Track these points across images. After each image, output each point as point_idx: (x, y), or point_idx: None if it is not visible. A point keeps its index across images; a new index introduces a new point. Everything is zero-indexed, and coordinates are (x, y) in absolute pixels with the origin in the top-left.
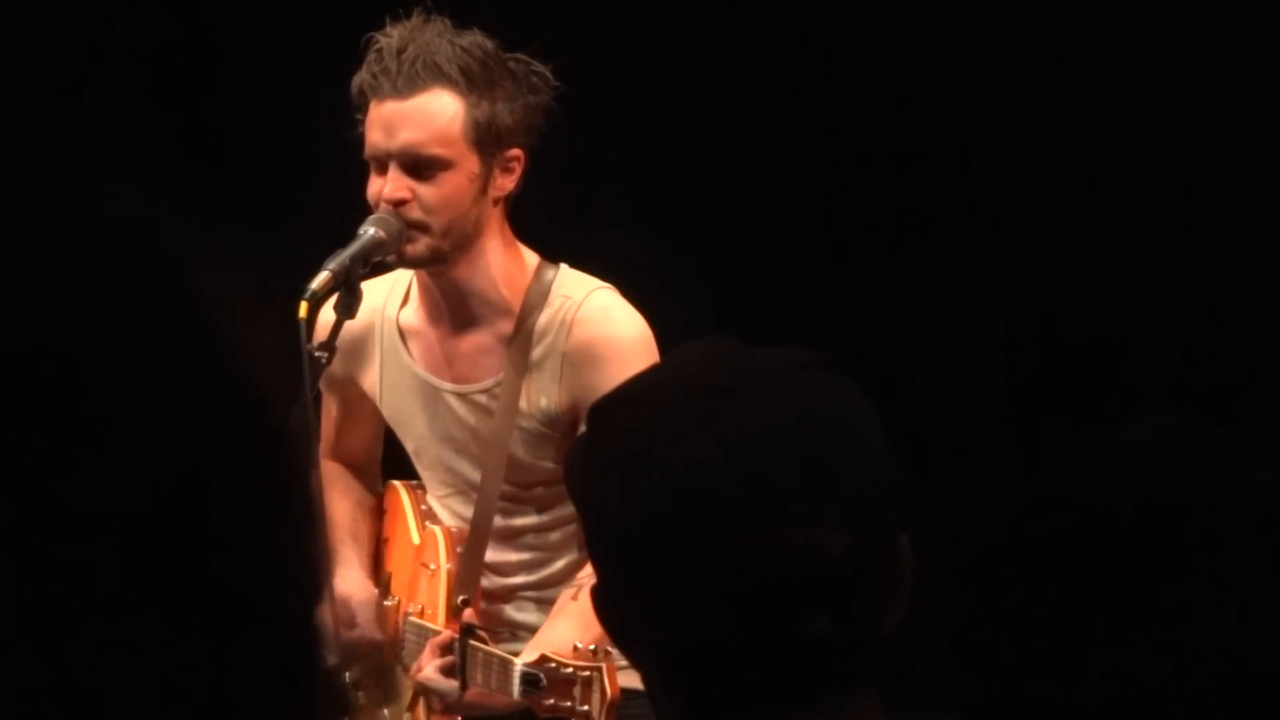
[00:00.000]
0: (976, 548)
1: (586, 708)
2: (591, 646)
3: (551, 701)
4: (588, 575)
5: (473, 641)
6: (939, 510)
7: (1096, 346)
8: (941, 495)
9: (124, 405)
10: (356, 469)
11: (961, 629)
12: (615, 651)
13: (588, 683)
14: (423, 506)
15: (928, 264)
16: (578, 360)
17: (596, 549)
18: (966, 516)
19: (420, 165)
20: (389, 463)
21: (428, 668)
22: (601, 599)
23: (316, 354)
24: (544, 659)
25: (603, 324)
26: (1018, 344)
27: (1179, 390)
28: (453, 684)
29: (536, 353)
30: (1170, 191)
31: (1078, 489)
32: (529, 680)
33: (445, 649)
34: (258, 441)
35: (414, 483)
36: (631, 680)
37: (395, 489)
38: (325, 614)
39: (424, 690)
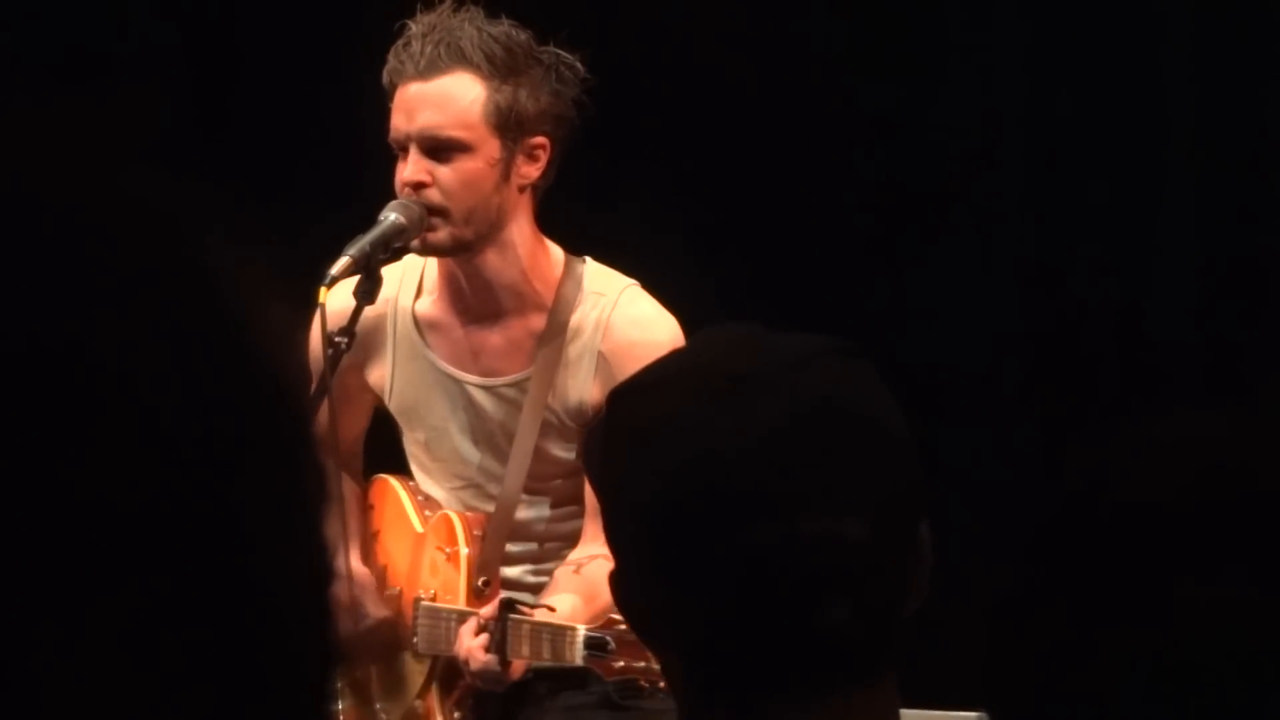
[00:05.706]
0: (1019, 541)
1: None
2: None
3: (622, 663)
4: (584, 554)
5: (513, 616)
6: (955, 499)
7: (1115, 335)
8: (957, 484)
9: (142, 394)
10: (341, 461)
11: (999, 619)
12: None
13: None
14: (419, 497)
15: (949, 251)
16: (616, 360)
17: (615, 535)
18: (983, 504)
19: (439, 147)
20: (371, 456)
21: (470, 645)
22: (620, 585)
23: (336, 340)
24: (610, 622)
25: (643, 325)
26: (1037, 331)
27: (1198, 379)
28: (492, 659)
29: (571, 349)
30: (1191, 177)
31: (1119, 483)
32: (594, 644)
33: (484, 627)
34: (277, 428)
35: (403, 475)
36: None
37: (385, 482)
38: (337, 595)
39: (466, 669)
